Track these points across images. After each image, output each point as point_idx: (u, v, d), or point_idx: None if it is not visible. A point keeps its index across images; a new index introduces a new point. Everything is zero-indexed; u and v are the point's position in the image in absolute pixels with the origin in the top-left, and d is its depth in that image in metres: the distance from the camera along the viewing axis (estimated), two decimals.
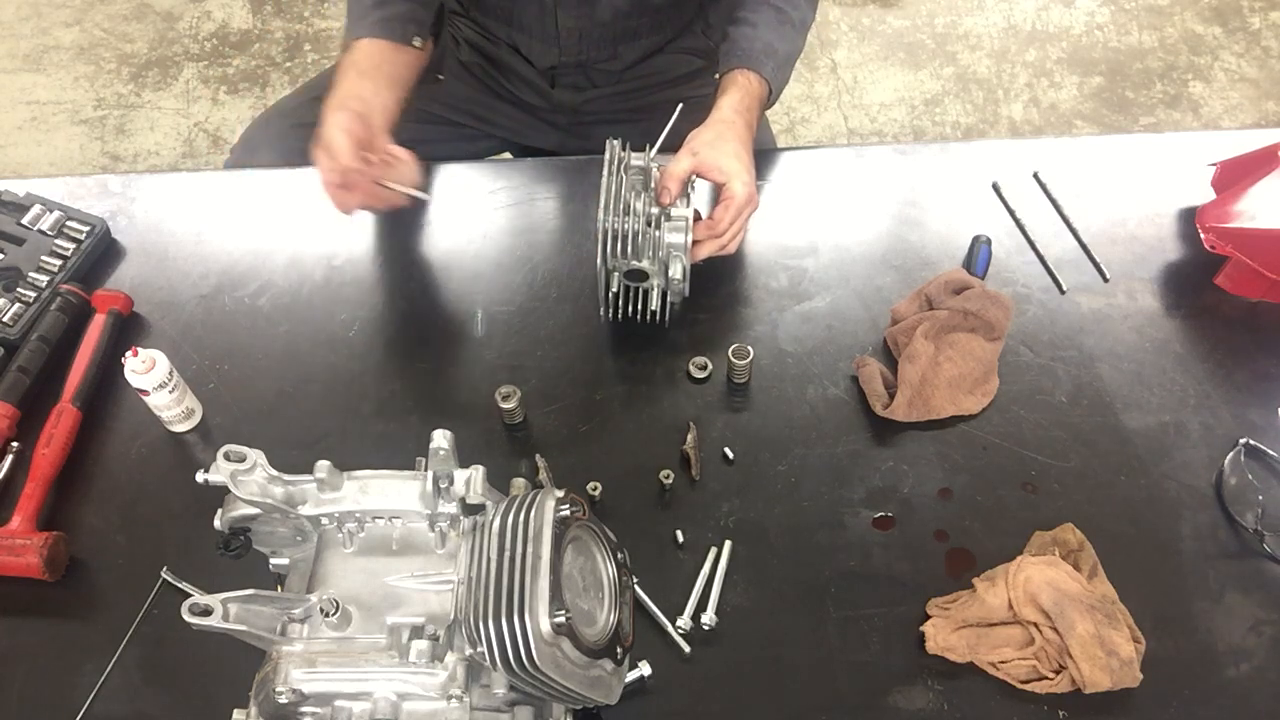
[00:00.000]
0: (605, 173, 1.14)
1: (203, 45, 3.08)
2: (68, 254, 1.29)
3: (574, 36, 1.47)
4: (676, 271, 1.17)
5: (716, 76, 1.34)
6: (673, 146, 1.22)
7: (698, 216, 1.22)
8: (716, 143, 1.21)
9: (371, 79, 1.26)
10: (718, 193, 1.22)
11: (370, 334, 1.26)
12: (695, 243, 1.18)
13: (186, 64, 3.03)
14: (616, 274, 1.17)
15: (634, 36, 1.49)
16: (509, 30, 1.52)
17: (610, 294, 1.19)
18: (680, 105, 1.29)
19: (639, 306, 1.22)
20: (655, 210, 1.16)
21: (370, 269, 1.33)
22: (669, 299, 1.22)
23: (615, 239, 1.12)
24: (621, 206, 1.13)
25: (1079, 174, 1.41)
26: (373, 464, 0.87)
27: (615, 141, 1.17)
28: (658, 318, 1.23)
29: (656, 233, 1.16)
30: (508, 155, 1.71)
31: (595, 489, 1.10)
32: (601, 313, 1.22)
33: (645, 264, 1.15)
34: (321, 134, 1.17)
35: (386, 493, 0.85)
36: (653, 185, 1.18)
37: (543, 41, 1.49)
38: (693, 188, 1.22)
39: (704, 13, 1.55)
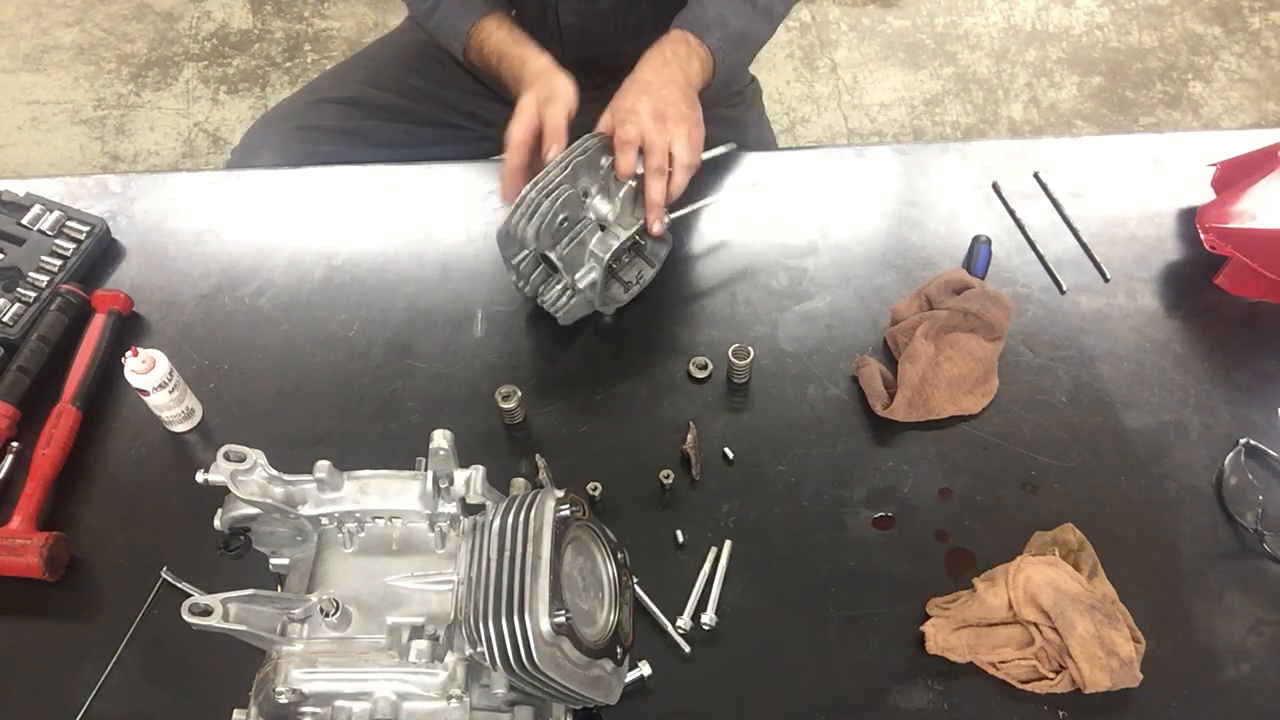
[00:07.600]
0: (568, 150, 1.13)
1: (203, 45, 3.08)
2: (68, 254, 1.29)
3: (576, 33, 1.46)
4: (585, 281, 1.17)
5: None
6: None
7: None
8: (622, 95, 1.19)
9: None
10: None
11: (370, 334, 1.26)
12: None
13: (186, 64, 3.03)
14: (528, 252, 1.16)
15: (636, 33, 1.49)
16: None
17: (514, 264, 1.18)
18: (732, 145, 1.29)
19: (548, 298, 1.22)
20: (592, 216, 1.16)
21: (370, 269, 1.33)
22: (573, 300, 1.20)
23: (534, 213, 1.10)
24: (558, 185, 1.11)
25: (1079, 174, 1.41)
26: (373, 464, 0.87)
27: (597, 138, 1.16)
28: (557, 315, 1.22)
29: (583, 233, 1.15)
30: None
31: (595, 489, 1.10)
32: (513, 281, 1.22)
33: (553, 255, 1.14)
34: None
35: (386, 493, 0.85)
36: (616, 196, 1.18)
37: (544, 38, 1.49)
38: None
39: None
